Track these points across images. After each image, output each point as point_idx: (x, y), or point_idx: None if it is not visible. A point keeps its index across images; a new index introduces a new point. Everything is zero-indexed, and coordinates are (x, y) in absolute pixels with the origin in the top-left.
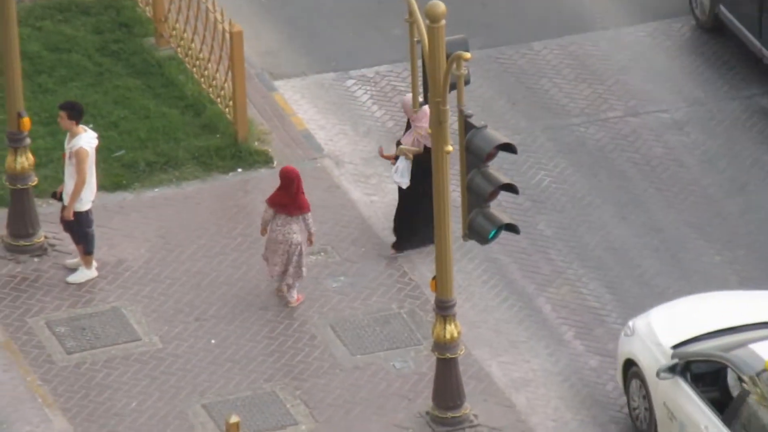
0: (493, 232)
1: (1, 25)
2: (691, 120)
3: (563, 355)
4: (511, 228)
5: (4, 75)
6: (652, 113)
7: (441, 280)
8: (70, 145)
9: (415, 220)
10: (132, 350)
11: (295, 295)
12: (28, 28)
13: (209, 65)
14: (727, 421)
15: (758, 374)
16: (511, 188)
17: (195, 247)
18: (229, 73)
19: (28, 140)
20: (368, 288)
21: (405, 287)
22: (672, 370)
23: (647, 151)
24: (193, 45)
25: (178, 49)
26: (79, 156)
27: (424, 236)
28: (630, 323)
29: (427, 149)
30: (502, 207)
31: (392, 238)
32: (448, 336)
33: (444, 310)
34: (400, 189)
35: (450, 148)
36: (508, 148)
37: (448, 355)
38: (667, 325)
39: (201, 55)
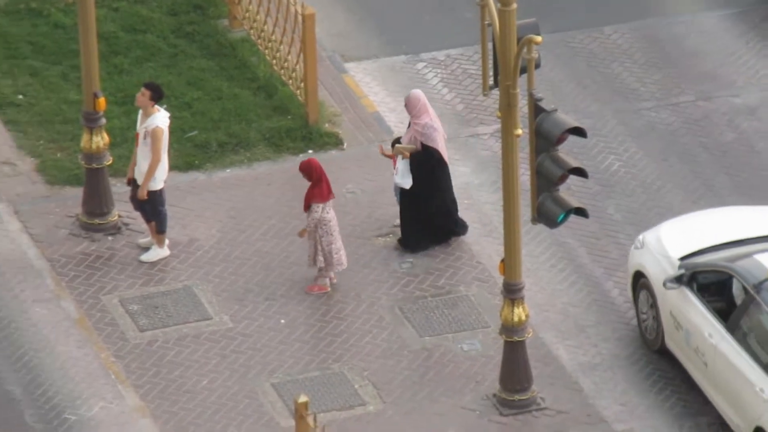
0: (561, 216)
1: (79, 6)
2: (763, 104)
3: (631, 339)
4: (581, 212)
5: (81, 55)
6: (724, 97)
7: (509, 264)
8: (145, 124)
9: (422, 220)
10: (203, 329)
11: (319, 282)
12: (105, 9)
13: (281, 47)
14: (730, 329)
15: (761, 283)
16: (580, 172)
17: (265, 227)
18: (301, 55)
19: (103, 120)
20: (436, 270)
21: (473, 270)
22: (678, 280)
23: (718, 136)
24: (265, 27)
25: (251, 31)
26: (155, 135)
27: (435, 235)
28: (640, 237)
29: (425, 147)
30: (571, 191)
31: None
32: (515, 319)
33: (512, 293)
34: (402, 190)
35: (519, 131)
36: (578, 132)
37: (516, 338)
38: (676, 238)
39: (273, 37)
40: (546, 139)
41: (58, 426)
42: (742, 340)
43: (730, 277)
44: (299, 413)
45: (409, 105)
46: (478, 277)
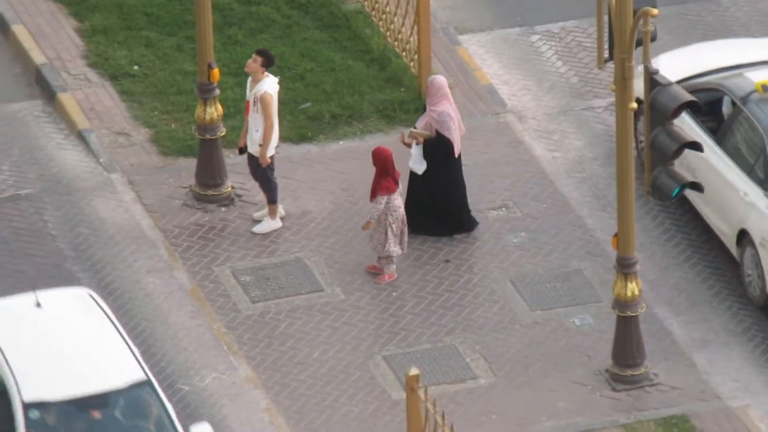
0: (676, 190)
1: None
2: None
3: (746, 314)
4: (695, 186)
5: (196, 26)
6: None
7: (623, 238)
8: (254, 91)
9: (428, 205)
10: (315, 301)
11: (387, 270)
12: None
13: (395, 19)
14: (718, 141)
15: (747, 95)
16: (695, 146)
17: None
18: (415, 27)
19: (217, 91)
20: (549, 244)
21: (586, 244)
22: None
23: None
24: None
25: (365, 3)
26: (264, 101)
27: (439, 224)
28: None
29: (439, 135)
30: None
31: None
32: (629, 294)
33: (625, 267)
34: (413, 174)
35: (634, 105)
36: (693, 105)
37: (629, 313)
38: (670, 66)
39: (387, 9)
40: (661, 112)
41: (171, 396)
42: (728, 150)
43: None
44: (410, 386)
45: (431, 90)
46: (591, 252)
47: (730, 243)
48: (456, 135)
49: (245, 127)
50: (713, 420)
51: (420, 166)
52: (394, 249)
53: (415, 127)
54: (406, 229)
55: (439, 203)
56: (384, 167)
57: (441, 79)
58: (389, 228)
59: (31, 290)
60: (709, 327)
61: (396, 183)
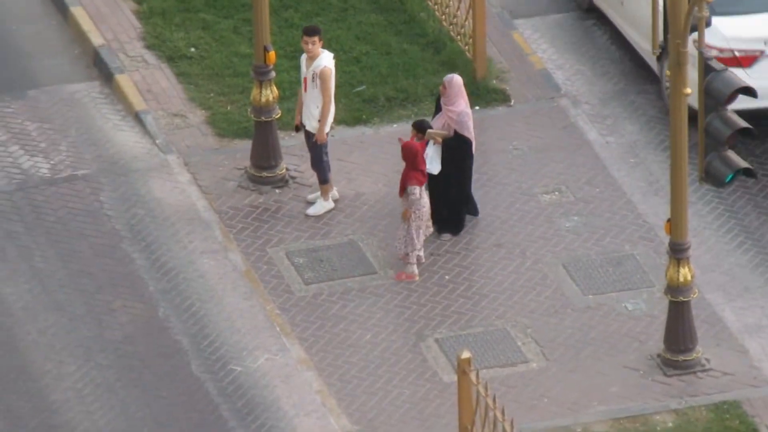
0: (730, 176)
1: None
2: None
3: None
4: (749, 172)
5: (253, 9)
6: None
7: (675, 223)
8: (313, 66)
9: (452, 205)
10: (368, 283)
11: (407, 270)
12: None
13: (450, 3)
14: None
15: None
16: (749, 132)
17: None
18: (470, 11)
19: (273, 73)
20: (602, 228)
21: (639, 229)
22: None
23: None
24: None
25: None
26: (323, 75)
27: (450, 221)
28: None
29: (457, 134)
30: (738, 150)
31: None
32: (681, 279)
33: (678, 252)
34: (431, 175)
35: (689, 90)
36: (748, 91)
37: (681, 299)
38: None
39: None
40: (715, 98)
41: (224, 377)
42: None
43: None
44: (462, 369)
45: (450, 90)
46: (643, 237)
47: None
48: (473, 133)
49: (299, 104)
50: (765, 406)
51: (435, 166)
52: (406, 248)
53: (431, 128)
54: (429, 229)
55: (456, 204)
56: (414, 162)
57: (458, 79)
58: (410, 225)
59: (88, 270)
60: (761, 313)
61: (425, 176)
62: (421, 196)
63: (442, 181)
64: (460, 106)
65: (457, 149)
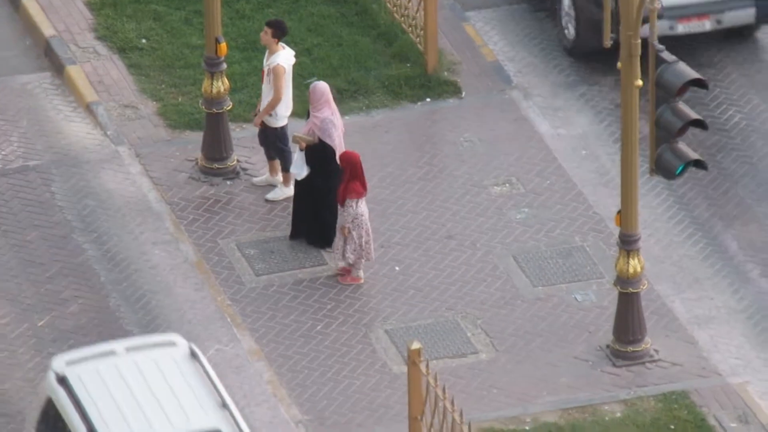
0: (680, 168)
1: None
2: None
3: (748, 292)
4: (700, 164)
5: (203, 0)
6: None
7: (626, 215)
8: (269, 61)
9: (318, 212)
10: (318, 274)
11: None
12: None
13: None
14: None
15: None
16: (700, 124)
17: (382, 174)
18: (421, 3)
19: (224, 65)
20: (552, 220)
21: (589, 221)
22: None
23: None
24: None
25: None
26: (276, 72)
27: (322, 232)
28: None
29: (321, 142)
30: (688, 142)
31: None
32: (631, 270)
33: (628, 244)
34: (296, 181)
35: (640, 82)
36: (699, 83)
37: (631, 290)
38: None
39: None
40: (667, 90)
41: None
42: None
43: None
44: (412, 360)
45: (313, 96)
46: (594, 228)
47: None
48: (338, 141)
49: (261, 95)
50: (713, 396)
51: (301, 172)
52: (350, 256)
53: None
54: (370, 238)
55: (319, 212)
56: (353, 171)
57: (323, 86)
58: (350, 236)
59: (39, 260)
60: (711, 304)
61: (364, 187)
62: (358, 206)
63: (307, 186)
64: (324, 113)
65: (319, 155)
